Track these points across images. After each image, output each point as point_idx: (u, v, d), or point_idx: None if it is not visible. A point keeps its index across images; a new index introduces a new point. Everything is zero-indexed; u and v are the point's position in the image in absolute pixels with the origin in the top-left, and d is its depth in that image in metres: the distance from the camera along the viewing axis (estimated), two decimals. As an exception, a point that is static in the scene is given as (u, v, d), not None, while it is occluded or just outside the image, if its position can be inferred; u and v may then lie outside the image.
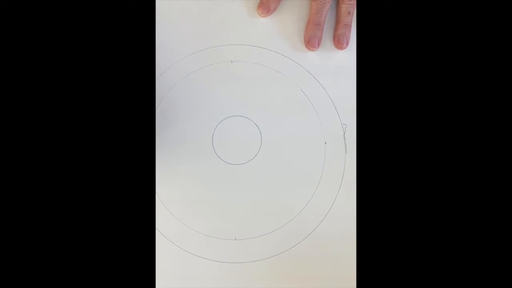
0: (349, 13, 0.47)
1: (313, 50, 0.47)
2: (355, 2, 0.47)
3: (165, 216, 0.45)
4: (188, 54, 0.48)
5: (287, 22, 0.48)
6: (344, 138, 0.46)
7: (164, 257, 0.45)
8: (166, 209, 0.46)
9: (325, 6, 0.47)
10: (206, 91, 0.47)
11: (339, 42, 0.47)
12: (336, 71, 0.47)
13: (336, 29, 0.47)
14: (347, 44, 0.47)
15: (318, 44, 0.47)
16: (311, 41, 0.47)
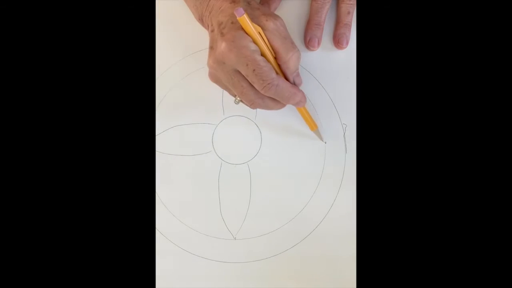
0: (349, 13, 0.47)
1: (313, 50, 0.47)
2: (355, 2, 0.47)
3: (165, 216, 0.45)
4: (188, 54, 0.48)
5: (287, 22, 0.48)
6: (344, 138, 0.46)
7: (164, 257, 0.45)
8: (166, 209, 0.46)
9: (325, 6, 0.47)
10: (206, 91, 0.47)
11: (339, 42, 0.47)
12: (336, 71, 0.47)
13: (336, 29, 0.47)
14: (347, 44, 0.47)
15: (318, 44, 0.47)
16: (311, 41, 0.47)
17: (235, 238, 0.45)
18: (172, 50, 0.47)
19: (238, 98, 0.41)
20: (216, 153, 0.46)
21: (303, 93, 0.40)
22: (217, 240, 0.45)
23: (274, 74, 0.37)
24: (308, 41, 0.47)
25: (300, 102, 0.41)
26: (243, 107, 0.47)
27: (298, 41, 0.48)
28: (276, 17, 0.38)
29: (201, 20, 0.42)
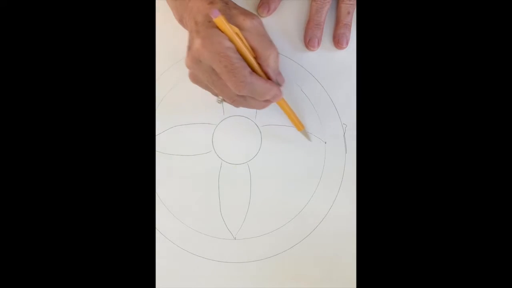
0: (349, 13, 0.47)
1: (313, 50, 0.47)
2: (355, 2, 0.47)
3: (165, 216, 0.45)
4: (188, 54, 0.48)
5: (287, 22, 0.48)
6: (344, 138, 0.46)
7: (164, 257, 0.45)
8: (166, 209, 0.46)
9: (325, 6, 0.47)
10: (206, 91, 0.47)
11: (339, 42, 0.47)
12: (336, 71, 0.47)
13: (336, 29, 0.47)
14: (347, 44, 0.47)
15: (318, 44, 0.47)
16: (311, 41, 0.47)
17: (235, 238, 0.45)
18: (172, 50, 0.47)
19: (221, 97, 0.40)
20: (216, 153, 0.46)
21: (278, 87, 0.39)
22: (217, 240, 0.45)
23: (247, 72, 0.36)
24: (308, 41, 0.47)
25: (276, 96, 0.39)
26: (243, 107, 0.47)
27: (298, 41, 0.48)
28: (253, 16, 0.37)
29: (181, 21, 0.41)
